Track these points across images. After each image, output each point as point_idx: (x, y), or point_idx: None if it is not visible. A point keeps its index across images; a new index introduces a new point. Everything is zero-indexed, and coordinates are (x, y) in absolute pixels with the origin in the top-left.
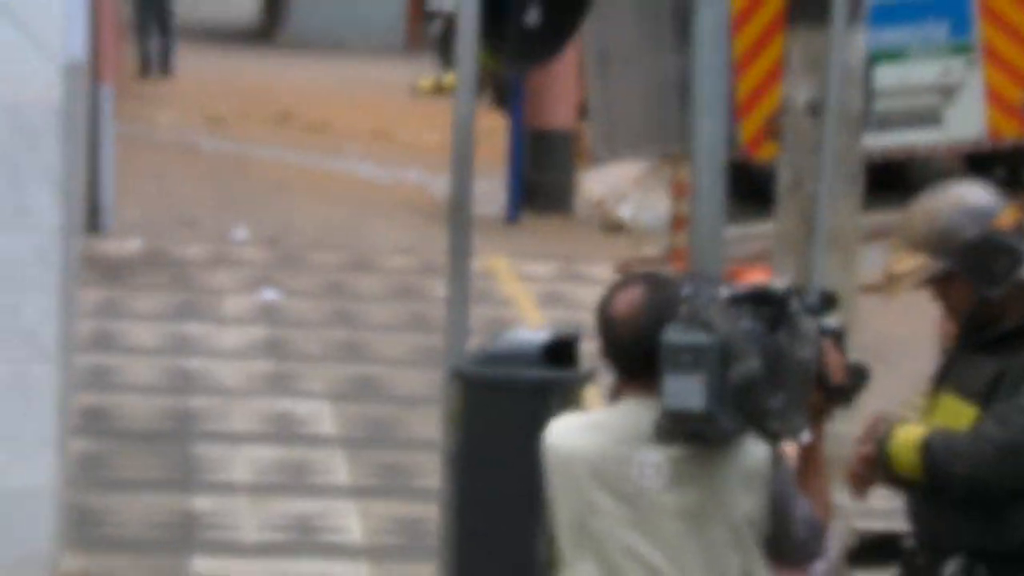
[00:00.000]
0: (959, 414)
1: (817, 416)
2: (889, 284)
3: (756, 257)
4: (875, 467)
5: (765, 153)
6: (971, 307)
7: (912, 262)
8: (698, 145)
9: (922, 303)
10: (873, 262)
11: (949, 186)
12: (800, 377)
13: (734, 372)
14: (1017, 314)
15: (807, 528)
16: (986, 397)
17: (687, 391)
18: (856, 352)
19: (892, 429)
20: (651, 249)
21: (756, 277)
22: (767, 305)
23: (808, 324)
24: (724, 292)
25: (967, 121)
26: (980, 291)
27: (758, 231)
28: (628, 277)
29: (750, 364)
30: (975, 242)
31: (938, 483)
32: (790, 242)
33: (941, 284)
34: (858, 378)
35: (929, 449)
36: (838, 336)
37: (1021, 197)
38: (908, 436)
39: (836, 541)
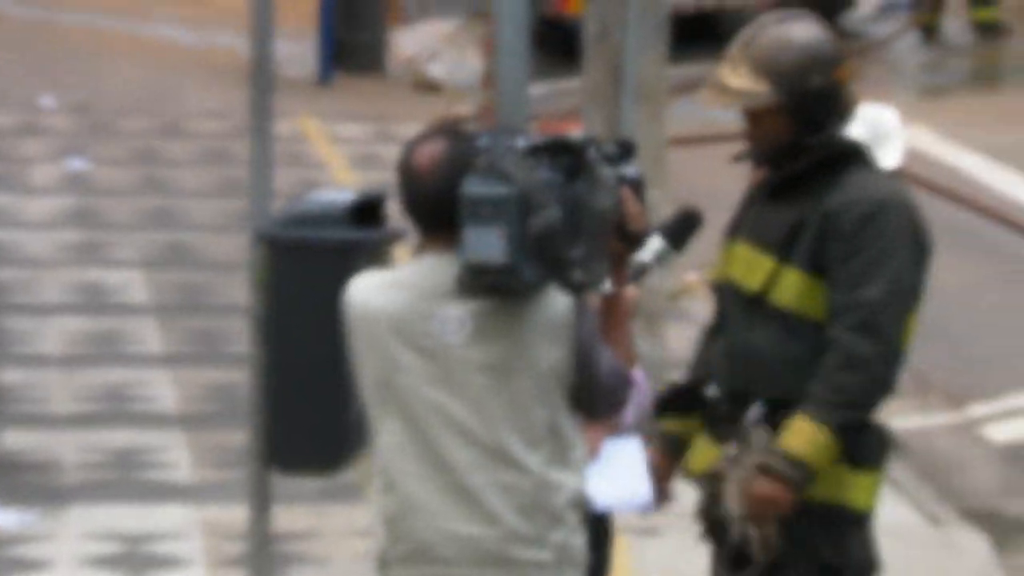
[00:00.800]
0: (753, 264)
1: (618, 265)
2: (713, 92)
3: (567, 114)
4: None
5: (575, 7)
6: (780, 146)
7: (747, 81)
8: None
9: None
10: (683, 115)
11: (802, 19)
12: (600, 226)
13: (534, 222)
14: (809, 159)
15: (612, 378)
16: (784, 247)
17: (487, 243)
18: (668, 205)
19: (800, 464)
20: (464, 107)
21: (566, 131)
22: (565, 155)
23: (606, 173)
24: (522, 143)
25: None
26: (801, 134)
27: (569, 87)
28: (428, 131)
29: (550, 214)
30: (817, 89)
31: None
32: (598, 94)
33: (760, 113)
34: (690, 223)
35: (833, 425)
36: (637, 185)
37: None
38: (808, 439)
39: (644, 391)
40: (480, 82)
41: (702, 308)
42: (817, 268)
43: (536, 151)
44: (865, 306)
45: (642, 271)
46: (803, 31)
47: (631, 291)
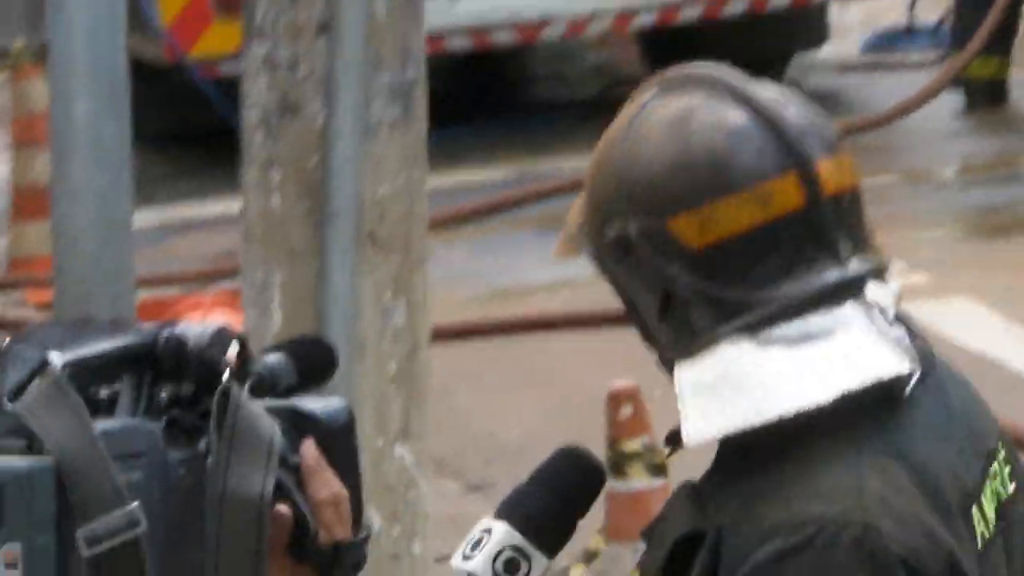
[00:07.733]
0: None
1: None
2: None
3: (210, 276)
4: None
5: (209, 46)
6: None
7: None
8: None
9: None
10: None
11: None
12: (244, 542)
13: (87, 538)
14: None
15: None
16: None
17: None
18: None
19: None
20: None
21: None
22: (180, 376)
23: (262, 424)
24: (76, 348)
25: None
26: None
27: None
28: None
29: (125, 520)
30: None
31: None
32: (270, 223)
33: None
34: (580, 492)
35: None
36: (336, 435)
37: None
38: None
39: None
40: (7, 211)
41: None
42: None
43: (109, 368)
44: None
45: None
46: (662, 134)
47: None
